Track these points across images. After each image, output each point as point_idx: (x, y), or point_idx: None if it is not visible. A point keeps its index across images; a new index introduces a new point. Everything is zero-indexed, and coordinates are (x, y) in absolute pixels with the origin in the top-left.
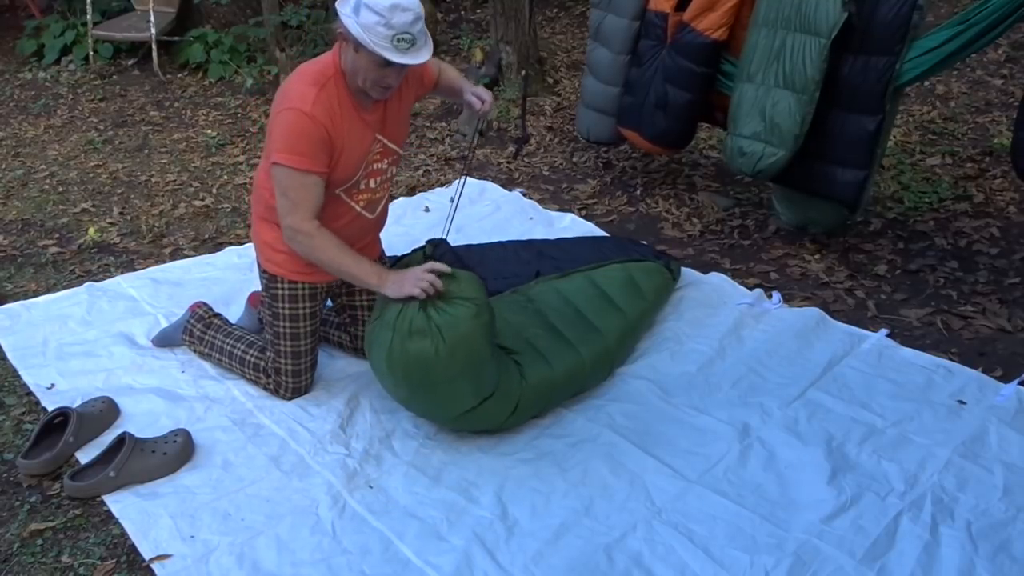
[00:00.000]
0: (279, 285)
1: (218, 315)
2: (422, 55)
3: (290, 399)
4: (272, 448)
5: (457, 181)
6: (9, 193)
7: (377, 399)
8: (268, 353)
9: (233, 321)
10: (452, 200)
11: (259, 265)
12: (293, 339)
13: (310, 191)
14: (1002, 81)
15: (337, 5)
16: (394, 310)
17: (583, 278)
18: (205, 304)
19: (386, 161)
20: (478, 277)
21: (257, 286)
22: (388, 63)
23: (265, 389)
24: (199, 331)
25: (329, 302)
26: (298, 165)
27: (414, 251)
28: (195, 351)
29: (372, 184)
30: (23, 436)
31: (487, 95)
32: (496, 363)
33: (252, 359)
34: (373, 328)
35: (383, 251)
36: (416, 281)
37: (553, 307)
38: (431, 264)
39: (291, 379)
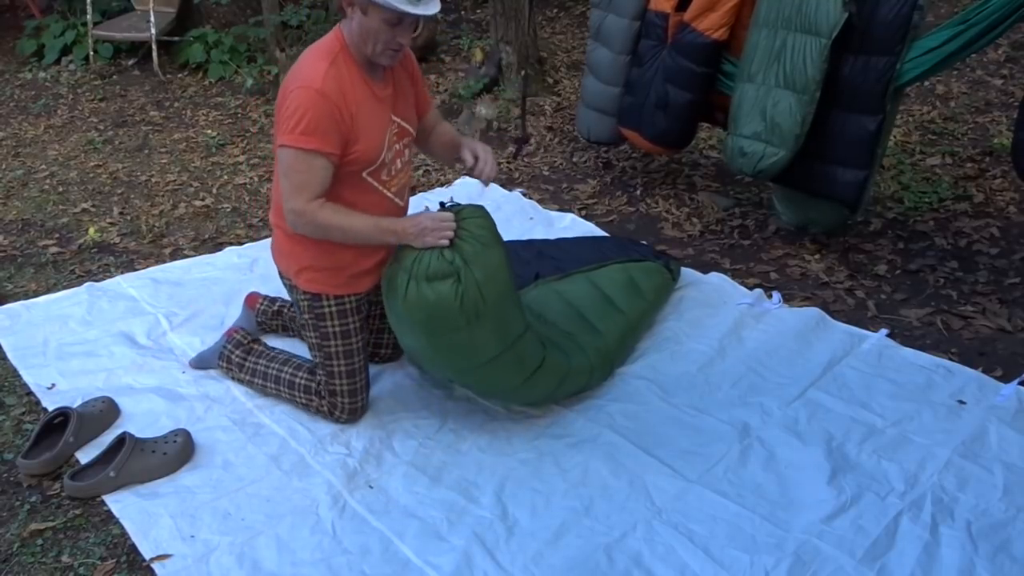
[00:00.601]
0: (325, 303)
1: (257, 340)
2: (433, 5)
3: (346, 421)
4: (272, 448)
5: (458, 181)
6: (9, 193)
7: (378, 399)
8: (319, 374)
9: (231, 324)
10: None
11: (296, 289)
12: (347, 357)
13: (315, 174)
14: (1002, 81)
15: None
16: (409, 256)
17: (583, 279)
18: (243, 329)
19: (402, 143)
20: (484, 210)
21: (254, 286)
22: (400, 19)
23: (318, 412)
24: (238, 358)
25: None
26: (308, 146)
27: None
28: (232, 378)
29: (398, 167)
30: (23, 436)
31: (484, 157)
32: (517, 306)
33: (302, 381)
34: (388, 279)
35: None
36: (436, 232)
37: (554, 309)
38: (445, 215)
39: (347, 400)
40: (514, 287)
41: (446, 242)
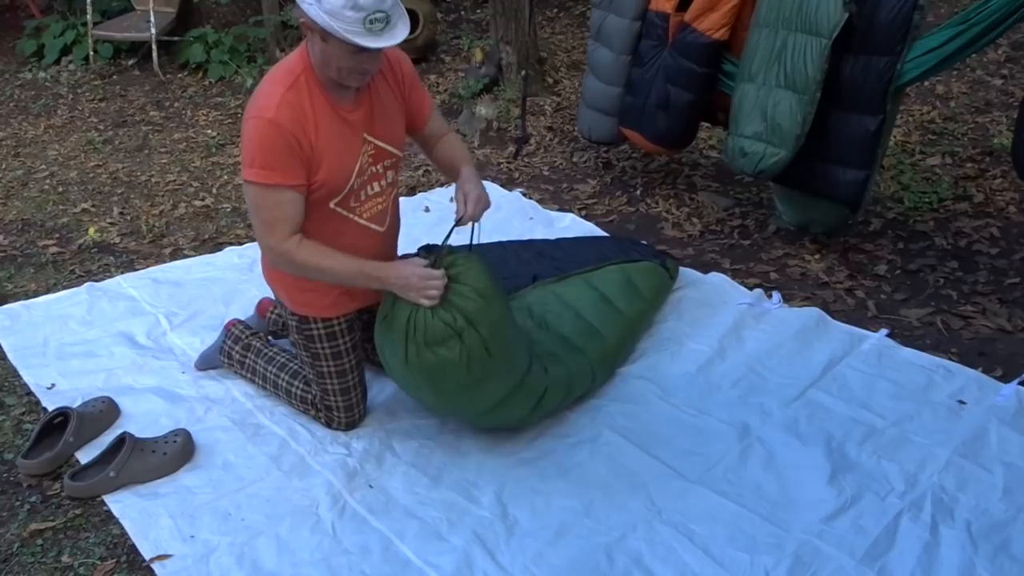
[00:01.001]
0: (313, 326)
1: (256, 334)
2: (398, 33)
3: (344, 431)
4: (272, 448)
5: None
6: (9, 193)
7: (378, 398)
8: (313, 389)
9: None
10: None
11: (286, 307)
12: (340, 376)
13: (285, 208)
14: (1002, 81)
15: None
16: (402, 317)
17: (581, 281)
18: (241, 322)
19: (382, 164)
20: (477, 257)
21: (254, 286)
22: (361, 48)
23: (315, 420)
24: (238, 354)
25: None
26: (268, 180)
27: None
28: (237, 374)
29: (373, 190)
30: (23, 436)
31: (474, 202)
32: (521, 344)
33: (299, 391)
34: (383, 335)
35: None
36: (421, 291)
37: (554, 312)
38: (432, 273)
39: (344, 414)
40: (517, 326)
41: (428, 302)
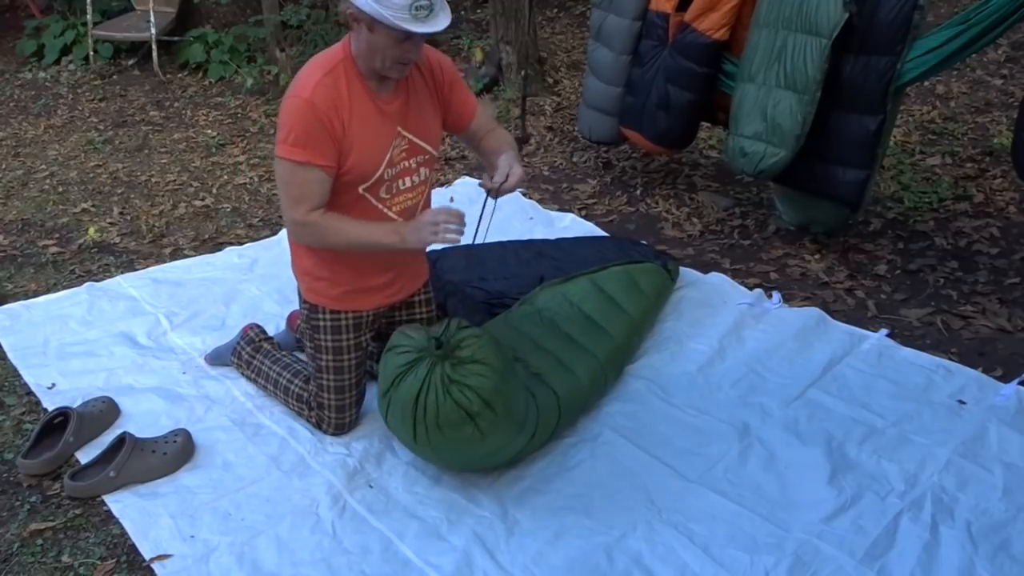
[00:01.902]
0: (320, 316)
1: (269, 339)
2: (441, 20)
3: (333, 435)
4: (272, 448)
5: (458, 181)
6: (9, 193)
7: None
8: (312, 385)
9: (231, 323)
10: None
11: (299, 295)
12: (337, 373)
13: (311, 187)
14: (1002, 81)
15: None
16: (408, 398)
17: (586, 281)
18: (258, 327)
19: (415, 160)
20: (486, 333)
21: (254, 286)
22: (407, 35)
23: (308, 422)
24: (247, 355)
25: None
26: (299, 158)
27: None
28: (243, 375)
29: (405, 184)
30: (23, 436)
31: (515, 175)
32: (529, 403)
33: (296, 389)
34: (388, 409)
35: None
36: (435, 233)
37: (562, 314)
38: (438, 209)
39: (334, 415)
40: (525, 396)
41: (443, 239)
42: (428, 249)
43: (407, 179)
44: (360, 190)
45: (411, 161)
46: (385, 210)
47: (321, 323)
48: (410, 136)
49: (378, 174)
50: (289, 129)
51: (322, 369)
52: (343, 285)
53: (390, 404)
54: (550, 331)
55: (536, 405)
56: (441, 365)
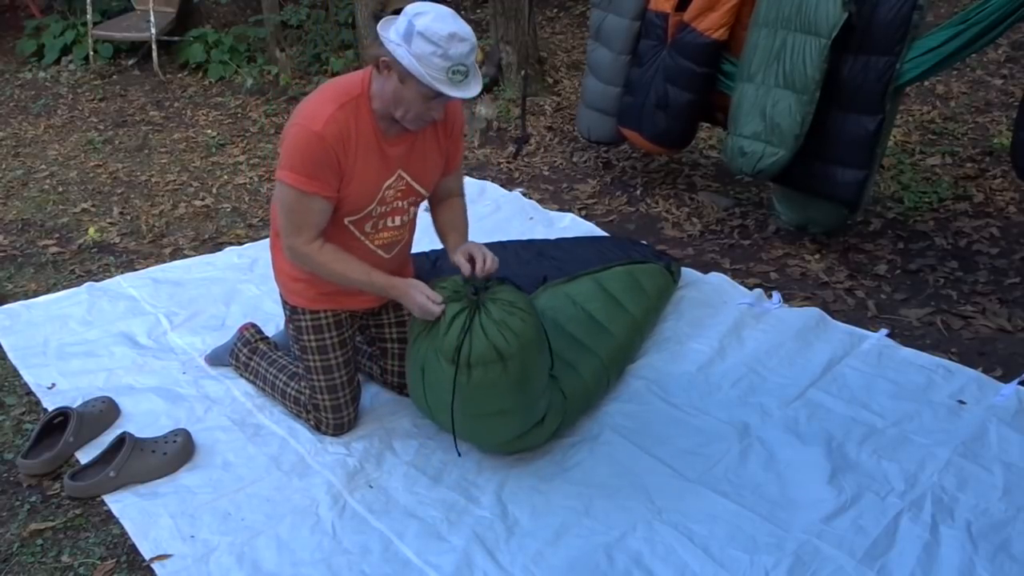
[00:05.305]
0: (301, 316)
1: (265, 339)
2: (473, 87)
3: (334, 436)
4: (272, 448)
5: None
6: (9, 193)
7: (378, 399)
8: (304, 388)
9: (231, 323)
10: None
11: (281, 297)
12: (326, 372)
13: (314, 215)
14: (1002, 81)
15: (380, 30)
16: (437, 335)
17: (589, 281)
18: (254, 326)
19: (407, 200)
20: (514, 284)
21: (254, 286)
22: (437, 94)
23: (307, 424)
24: (244, 356)
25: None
26: (305, 187)
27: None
28: (241, 376)
29: (393, 223)
30: (23, 436)
31: (480, 255)
32: (547, 381)
33: (293, 393)
34: (417, 358)
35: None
36: (421, 312)
37: (566, 314)
38: (432, 310)
39: (331, 415)
40: (547, 362)
41: (422, 315)
42: (428, 249)
43: (396, 218)
44: (346, 221)
45: (403, 201)
46: (367, 243)
47: (303, 323)
48: (408, 179)
49: (367, 210)
50: (297, 158)
51: (311, 370)
52: (319, 287)
53: (420, 351)
54: (554, 331)
55: (554, 393)
56: (483, 307)
